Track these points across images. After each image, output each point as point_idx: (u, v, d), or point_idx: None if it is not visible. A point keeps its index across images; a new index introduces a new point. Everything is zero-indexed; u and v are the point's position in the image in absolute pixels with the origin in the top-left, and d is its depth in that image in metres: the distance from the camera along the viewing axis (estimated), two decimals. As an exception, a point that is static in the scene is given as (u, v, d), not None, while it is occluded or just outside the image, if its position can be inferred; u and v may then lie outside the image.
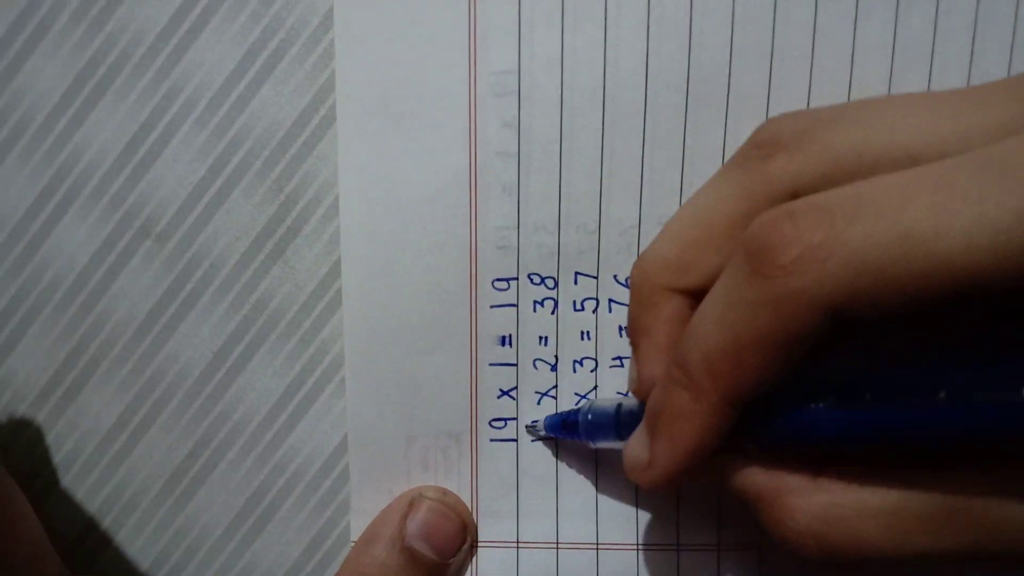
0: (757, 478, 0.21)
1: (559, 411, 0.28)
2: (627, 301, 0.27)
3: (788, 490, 0.20)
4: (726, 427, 0.20)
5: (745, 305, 0.19)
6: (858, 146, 0.20)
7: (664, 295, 0.23)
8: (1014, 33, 0.26)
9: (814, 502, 0.20)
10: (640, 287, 0.24)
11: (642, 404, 0.23)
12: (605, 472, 0.28)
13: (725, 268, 0.20)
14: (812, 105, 0.27)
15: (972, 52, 0.26)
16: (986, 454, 0.19)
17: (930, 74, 0.26)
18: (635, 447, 0.22)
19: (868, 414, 0.19)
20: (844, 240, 0.17)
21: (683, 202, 0.27)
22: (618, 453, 0.28)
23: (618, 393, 0.28)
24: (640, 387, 0.24)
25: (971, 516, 0.19)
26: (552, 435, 0.28)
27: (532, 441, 0.28)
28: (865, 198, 0.18)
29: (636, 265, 0.24)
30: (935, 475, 0.19)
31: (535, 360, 0.28)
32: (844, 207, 0.18)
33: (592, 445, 0.26)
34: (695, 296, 0.22)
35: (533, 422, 0.28)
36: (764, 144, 0.21)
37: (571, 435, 0.27)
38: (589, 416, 0.26)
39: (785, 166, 0.21)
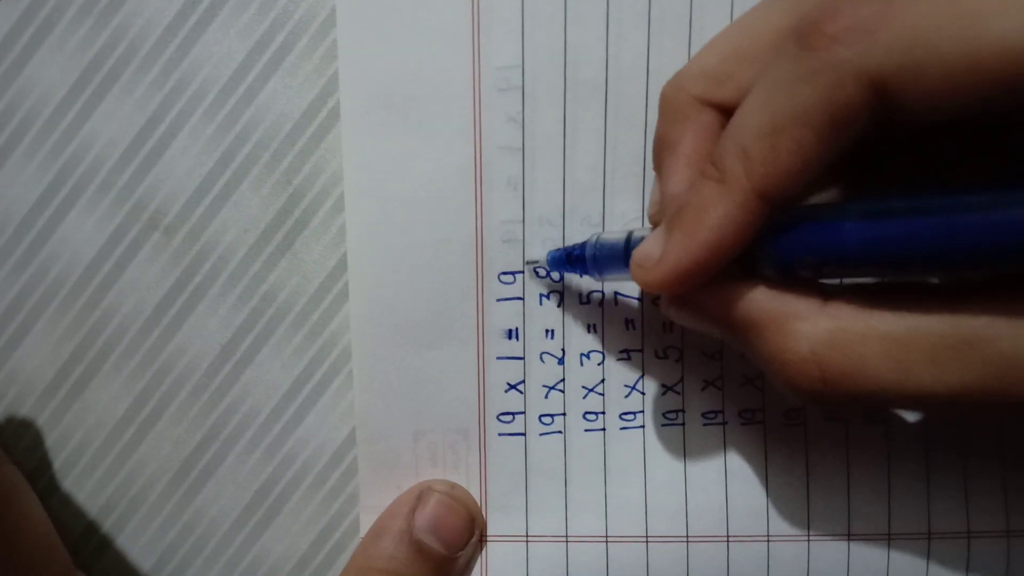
0: (764, 303, 0.20)
1: (563, 246, 0.27)
2: (633, 294, 0.28)
3: (795, 315, 0.20)
4: (750, 225, 0.19)
5: (788, 82, 0.18)
6: None
7: (696, 107, 0.22)
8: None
9: (820, 326, 0.19)
10: (672, 100, 0.22)
11: None
12: (614, 465, 0.28)
13: (774, 57, 0.19)
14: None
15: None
16: (1003, 283, 0.18)
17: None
18: (647, 245, 0.21)
19: (894, 227, 0.18)
20: (898, 12, 0.17)
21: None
22: (629, 446, 0.28)
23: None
24: (662, 208, 0.22)
25: (979, 349, 0.18)
26: (556, 270, 0.27)
27: (541, 435, 0.28)
28: None
29: (670, 81, 0.22)
30: (946, 305, 0.18)
31: (542, 353, 0.28)
32: None
33: (599, 277, 0.25)
34: (723, 111, 0.21)
35: (534, 260, 0.27)
36: None
37: (576, 269, 0.26)
38: (596, 247, 0.25)
39: None
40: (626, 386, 0.28)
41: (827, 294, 0.20)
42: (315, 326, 0.28)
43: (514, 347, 0.28)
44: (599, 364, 0.28)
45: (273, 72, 0.28)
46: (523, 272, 0.28)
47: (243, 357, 0.29)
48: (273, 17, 0.27)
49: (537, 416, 0.28)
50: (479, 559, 0.29)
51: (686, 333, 0.28)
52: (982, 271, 0.18)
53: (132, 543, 0.29)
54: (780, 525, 0.28)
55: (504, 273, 0.28)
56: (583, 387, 0.28)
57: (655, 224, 0.22)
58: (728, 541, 0.28)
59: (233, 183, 0.28)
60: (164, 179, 0.28)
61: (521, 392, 0.28)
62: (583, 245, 0.25)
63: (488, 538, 0.29)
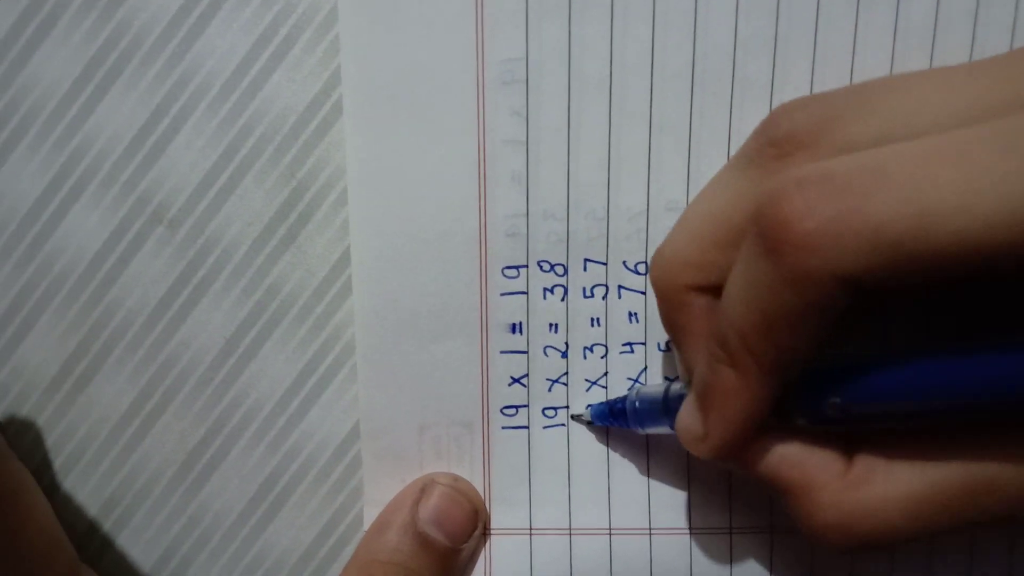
0: (788, 470, 0.21)
1: (606, 400, 0.28)
2: (636, 287, 0.28)
3: (818, 485, 0.21)
4: (773, 396, 0.20)
5: (766, 284, 0.19)
6: (877, 136, 0.19)
7: (690, 295, 0.23)
8: (1015, 20, 0.26)
9: (844, 498, 0.20)
10: (665, 289, 0.23)
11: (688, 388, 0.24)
12: (617, 458, 0.28)
13: (743, 248, 0.20)
14: (815, 92, 0.27)
15: (973, 38, 0.26)
16: (1005, 422, 0.19)
17: (931, 61, 0.26)
18: (688, 420, 0.22)
19: (910, 370, 0.19)
20: (860, 215, 0.17)
21: (693, 194, 0.27)
22: (632, 440, 0.28)
23: (666, 378, 0.28)
24: (690, 378, 0.24)
25: (991, 495, 0.19)
26: (600, 423, 0.28)
27: (544, 428, 0.28)
28: (881, 170, 0.17)
29: (656, 266, 0.24)
30: (960, 450, 0.19)
31: (545, 347, 0.28)
32: (859, 179, 0.17)
33: (641, 431, 0.26)
34: (717, 289, 0.22)
35: (579, 413, 0.28)
36: (780, 142, 0.21)
37: (619, 422, 0.27)
38: (637, 403, 0.26)
39: (803, 163, 0.20)
40: (629, 379, 0.28)
41: (849, 453, 0.21)
42: (319, 320, 0.28)
43: (518, 341, 0.28)
44: (602, 357, 0.28)
45: (277, 66, 0.27)
46: (527, 266, 0.28)
47: (247, 351, 0.29)
48: (276, 11, 0.27)
49: (541, 409, 0.28)
50: (483, 552, 0.29)
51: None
52: (1001, 414, 0.19)
53: (136, 537, 0.29)
54: (782, 517, 0.28)
55: (508, 267, 0.28)
56: (586, 380, 0.28)
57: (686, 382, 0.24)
58: (731, 533, 0.28)
59: (237, 177, 0.28)
60: (168, 173, 0.28)
61: (525, 385, 0.28)
62: (624, 399, 0.26)
63: (492, 531, 0.29)
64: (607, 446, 0.28)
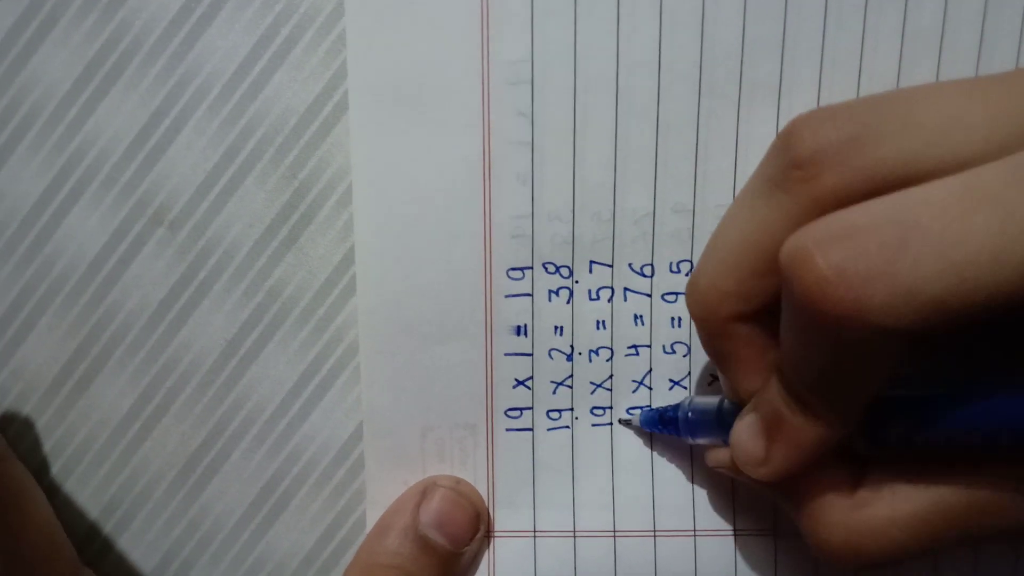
0: (798, 489, 0.22)
1: (653, 406, 0.28)
2: (642, 290, 0.28)
3: (829, 505, 0.21)
4: (844, 435, 0.20)
5: (814, 345, 0.19)
6: (910, 159, 0.18)
7: (732, 325, 0.22)
8: (1023, 23, 0.26)
9: (852, 518, 0.21)
10: (706, 320, 0.23)
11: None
12: (622, 461, 0.28)
13: (783, 301, 0.20)
14: (823, 94, 0.27)
15: (981, 42, 0.26)
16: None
17: (939, 64, 0.26)
18: (748, 444, 0.22)
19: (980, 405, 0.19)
20: (891, 276, 0.17)
21: (700, 196, 0.27)
22: (635, 443, 0.28)
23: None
24: (740, 401, 0.24)
25: (1000, 510, 0.19)
26: (648, 429, 0.28)
27: (549, 430, 0.28)
28: (910, 223, 0.17)
29: (693, 299, 0.23)
30: (968, 475, 0.20)
31: (550, 350, 0.28)
32: (888, 234, 0.17)
33: (691, 441, 0.26)
34: (761, 314, 0.22)
35: (626, 418, 0.28)
36: (806, 163, 0.19)
37: (668, 430, 0.27)
38: (690, 414, 0.26)
39: (832, 187, 0.19)
40: (634, 381, 0.28)
41: (856, 474, 0.21)
42: (321, 321, 0.28)
43: (522, 343, 0.28)
44: (607, 360, 0.28)
45: (278, 66, 0.27)
46: (532, 268, 0.28)
47: (248, 352, 0.28)
48: (278, 11, 0.27)
49: (545, 411, 0.28)
50: (486, 554, 0.29)
51: (693, 329, 0.28)
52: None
53: (137, 540, 0.29)
54: (785, 519, 0.28)
55: (513, 269, 0.28)
56: (591, 383, 0.28)
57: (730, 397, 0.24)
58: (735, 535, 0.28)
59: (238, 177, 0.28)
60: (169, 174, 0.28)
61: (529, 388, 0.28)
62: (676, 408, 0.26)
63: (496, 534, 0.29)
64: (611, 449, 0.28)
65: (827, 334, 0.18)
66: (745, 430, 0.22)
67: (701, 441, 0.26)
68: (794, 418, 0.21)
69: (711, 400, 0.25)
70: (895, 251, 0.17)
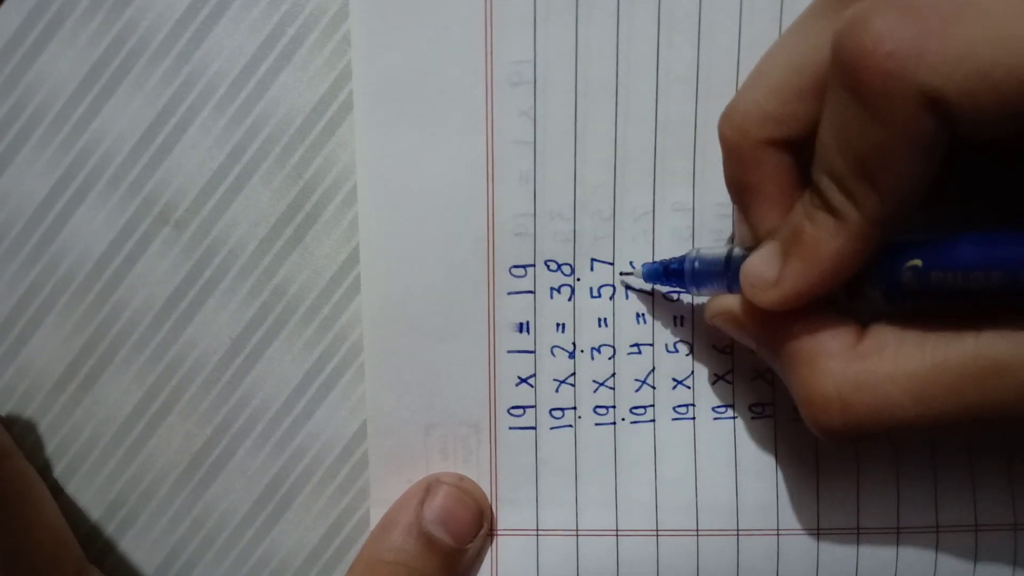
0: (799, 334, 0.21)
1: (656, 260, 0.27)
2: (644, 288, 0.28)
3: (826, 352, 0.21)
4: (864, 253, 0.20)
5: (854, 121, 0.18)
6: None
7: (766, 151, 0.22)
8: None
9: (848, 367, 0.20)
10: (739, 144, 0.22)
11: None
12: (625, 459, 0.28)
13: (829, 91, 0.19)
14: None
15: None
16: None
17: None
18: (760, 267, 0.22)
19: (1005, 246, 0.19)
20: (945, 36, 0.17)
21: (699, 195, 0.27)
22: (639, 441, 0.28)
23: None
24: (758, 239, 0.23)
25: (1000, 378, 0.19)
26: (650, 282, 0.27)
27: (551, 429, 0.28)
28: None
29: (728, 122, 0.22)
30: (972, 331, 0.19)
31: (552, 347, 0.28)
32: (945, 4, 0.17)
33: (695, 291, 0.25)
34: (795, 145, 0.22)
35: (628, 271, 0.28)
36: None
37: (672, 282, 0.26)
38: (696, 263, 0.25)
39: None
40: (636, 380, 0.28)
41: (861, 329, 0.21)
42: (326, 320, 0.28)
43: (525, 341, 0.28)
44: (610, 358, 0.28)
45: (284, 66, 0.28)
46: (534, 265, 0.28)
47: (254, 351, 0.29)
48: (284, 11, 0.27)
49: (548, 410, 0.28)
50: (489, 552, 0.29)
51: (697, 328, 0.28)
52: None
53: (142, 538, 0.29)
54: (789, 519, 0.28)
55: (515, 267, 0.28)
56: (594, 381, 0.28)
57: (746, 247, 0.23)
58: (738, 535, 0.28)
59: (244, 177, 0.28)
60: (175, 173, 0.28)
61: (532, 386, 0.28)
62: (681, 259, 0.26)
63: (498, 532, 0.29)
64: (614, 448, 0.28)
65: (871, 100, 0.18)
66: (758, 256, 0.22)
67: (706, 292, 0.25)
68: (814, 227, 0.20)
69: (719, 250, 0.25)
70: (949, 19, 0.17)
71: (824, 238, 0.20)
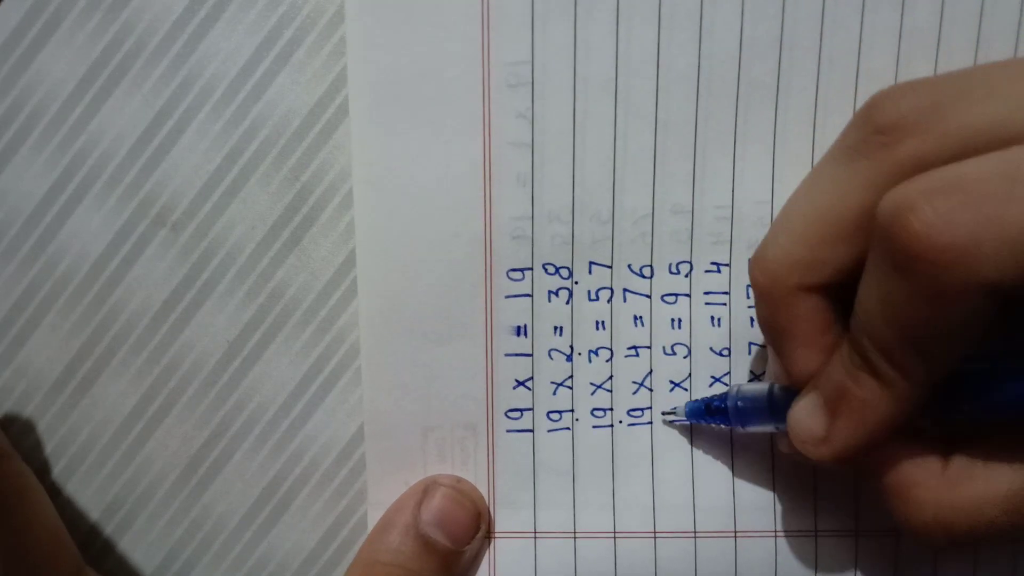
0: (885, 470, 0.21)
1: (694, 398, 0.28)
2: (642, 291, 0.28)
3: (916, 484, 0.21)
4: (916, 407, 0.20)
5: (902, 301, 0.18)
6: (996, 122, 0.18)
7: (797, 295, 0.22)
8: (1019, 21, 0.26)
9: (944, 496, 0.20)
10: (770, 290, 0.22)
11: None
12: (622, 462, 0.28)
13: (870, 260, 0.19)
14: (821, 94, 0.27)
15: (978, 40, 0.26)
16: None
17: (936, 62, 0.26)
18: (808, 422, 0.22)
19: None
20: (1000, 223, 0.17)
21: (699, 197, 0.27)
22: (635, 443, 0.28)
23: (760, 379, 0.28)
24: (794, 382, 0.23)
25: None
26: (694, 421, 0.27)
27: (549, 431, 0.28)
28: (1016, 174, 0.17)
29: (759, 268, 0.23)
30: None
31: (550, 350, 0.28)
32: (994, 185, 0.17)
33: (741, 430, 0.26)
34: (828, 288, 0.22)
35: (669, 411, 0.28)
36: (888, 129, 0.20)
37: (717, 420, 0.26)
38: (739, 402, 0.25)
39: (915, 151, 0.19)
40: (634, 383, 0.28)
41: (947, 453, 0.21)
42: (323, 322, 0.28)
43: (522, 344, 0.28)
44: (607, 361, 0.28)
45: (281, 68, 0.27)
46: (532, 269, 0.28)
47: (251, 353, 0.29)
48: (281, 13, 0.27)
49: (545, 412, 0.28)
50: (487, 554, 0.29)
51: (694, 331, 0.28)
52: None
53: (139, 540, 0.29)
54: (787, 521, 0.28)
55: (513, 270, 0.28)
56: (591, 384, 0.28)
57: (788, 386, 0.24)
58: (736, 537, 0.28)
59: (241, 179, 0.28)
60: (172, 175, 0.28)
61: (529, 388, 0.28)
62: (723, 397, 0.26)
63: (496, 534, 0.29)
64: (612, 450, 0.28)
65: (923, 286, 0.18)
66: (803, 409, 0.22)
67: (752, 429, 0.25)
68: (860, 389, 0.20)
69: (760, 387, 0.25)
70: (1003, 202, 0.17)
71: (871, 401, 0.20)
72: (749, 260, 0.23)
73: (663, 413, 0.28)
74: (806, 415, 0.22)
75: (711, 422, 0.27)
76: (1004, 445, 0.20)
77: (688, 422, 0.28)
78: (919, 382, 0.19)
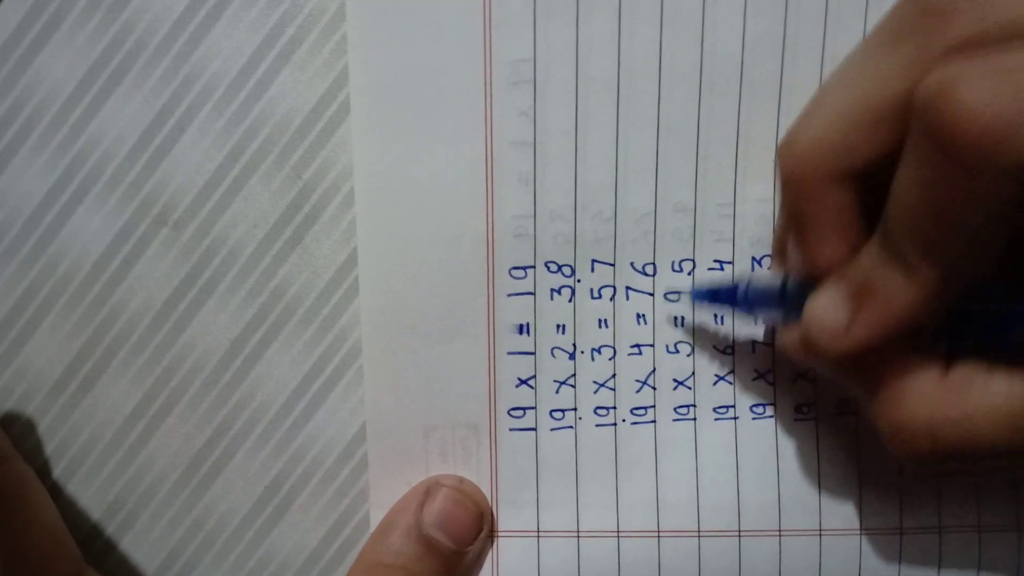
0: (885, 366, 0.21)
1: (704, 284, 0.27)
2: (644, 288, 0.28)
3: (914, 385, 0.21)
4: (936, 310, 0.20)
5: (941, 184, 0.18)
6: None
7: (827, 183, 0.21)
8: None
9: (939, 402, 0.20)
10: (800, 176, 0.22)
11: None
12: (625, 460, 0.28)
13: (908, 143, 0.19)
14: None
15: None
16: None
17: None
18: (830, 312, 0.22)
19: None
20: None
21: (701, 196, 0.27)
22: (639, 441, 0.28)
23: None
24: (816, 271, 0.23)
25: None
26: (699, 301, 0.27)
27: (552, 430, 0.28)
28: None
29: (788, 153, 0.22)
30: None
31: (553, 348, 0.28)
32: None
33: (750, 315, 0.25)
34: (858, 178, 0.21)
35: (674, 290, 0.27)
36: (936, 11, 0.19)
37: (724, 302, 0.26)
38: (750, 286, 0.25)
39: (962, 35, 0.18)
40: (637, 381, 0.28)
41: (946, 361, 0.21)
42: (325, 321, 0.28)
43: (525, 342, 0.28)
44: (610, 359, 0.28)
45: (283, 66, 0.27)
46: (534, 267, 0.28)
47: (253, 353, 0.28)
48: (283, 11, 0.27)
49: (548, 411, 0.28)
50: (490, 554, 0.29)
51: (697, 328, 0.28)
52: None
53: (141, 540, 0.29)
54: (792, 520, 0.28)
55: (515, 268, 0.28)
56: (594, 382, 0.28)
57: (780, 267, 0.24)
58: (740, 536, 0.28)
59: (242, 178, 0.28)
60: (173, 174, 0.28)
61: (532, 387, 0.28)
62: (733, 285, 0.26)
63: (499, 533, 0.28)
64: (615, 449, 0.28)
65: (967, 171, 0.17)
66: (825, 298, 0.22)
67: (760, 315, 0.25)
68: (887, 282, 0.20)
69: (771, 277, 0.24)
70: None
71: (899, 292, 0.20)
72: (778, 146, 0.23)
73: (666, 294, 0.28)
74: (827, 305, 0.22)
75: (716, 303, 0.26)
76: (1005, 359, 0.20)
77: (694, 301, 0.27)
78: (947, 276, 0.19)
